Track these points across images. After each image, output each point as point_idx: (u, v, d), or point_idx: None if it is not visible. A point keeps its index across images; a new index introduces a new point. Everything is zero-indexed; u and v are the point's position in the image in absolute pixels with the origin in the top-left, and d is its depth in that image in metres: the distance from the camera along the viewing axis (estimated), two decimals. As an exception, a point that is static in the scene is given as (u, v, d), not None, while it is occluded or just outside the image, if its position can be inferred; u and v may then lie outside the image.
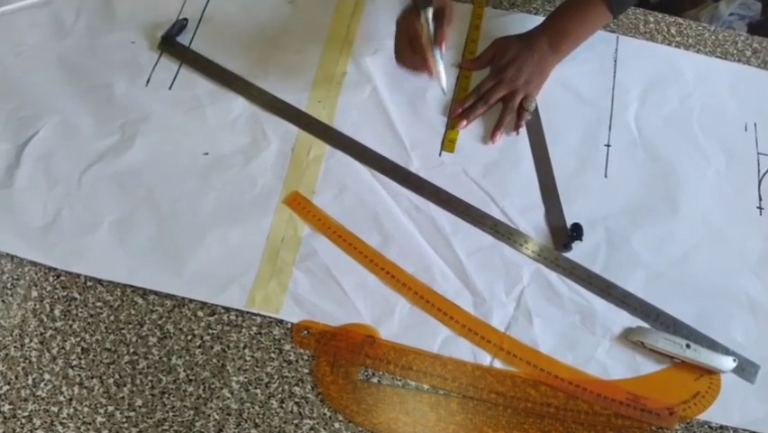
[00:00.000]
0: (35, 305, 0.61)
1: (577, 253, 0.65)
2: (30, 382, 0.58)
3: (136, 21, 0.78)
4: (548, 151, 0.71)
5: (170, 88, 0.73)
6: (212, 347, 0.60)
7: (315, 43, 0.77)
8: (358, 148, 0.70)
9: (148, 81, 0.74)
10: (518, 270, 0.65)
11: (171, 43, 0.76)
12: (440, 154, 0.71)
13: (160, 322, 0.61)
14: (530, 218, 0.67)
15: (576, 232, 0.65)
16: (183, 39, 0.77)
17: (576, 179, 0.70)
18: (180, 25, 0.77)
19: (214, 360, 0.60)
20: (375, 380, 0.59)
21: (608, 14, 0.70)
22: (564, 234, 0.66)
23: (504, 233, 0.66)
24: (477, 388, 0.59)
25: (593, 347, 0.61)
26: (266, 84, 0.74)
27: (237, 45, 0.77)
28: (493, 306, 0.63)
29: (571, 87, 0.75)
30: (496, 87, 0.72)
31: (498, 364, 0.60)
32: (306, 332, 0.61)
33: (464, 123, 0.71)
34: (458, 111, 0.72)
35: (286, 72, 0.75)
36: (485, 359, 0.60)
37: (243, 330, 0.61)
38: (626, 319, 0.63)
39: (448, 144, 0.71)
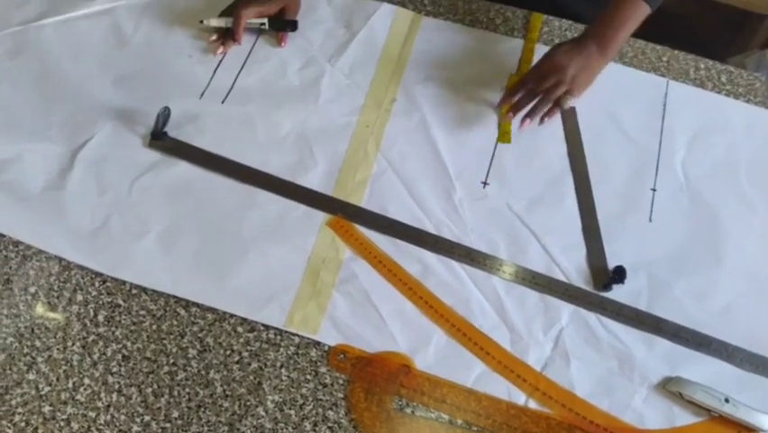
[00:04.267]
0: (80, 309, 0.62)
1: (618, 296, 0.65)
2: (70, 385, 0.59)
3: (193, 35, 0.79)
4: (592, 190, 0.71)
5: (223, 102, 0.75)
6: (249, 364, 0.61)
7: (366, 67, 0.78)
8: (385, 222, 0.68)
9: (202, 94, 0.75)
10: (557, 309, 0.64)
11: (226, 59, 0.77)
12: (486, 179, 0.71)
13: (200, 335, 0.62)
14: (572, 257, 0.67)
15: (618, 275, 0.65)
16: (238, 55, 0.78)
17: (620, 221, 0.69)
18: (236, 42, 0.78)
19: (251, 377, 0.60)
20: (409, 410, 0.59)
21: (646, 8, 0.71)
22: (605, 276, 0.66)
23: (544, 285, 0.65)
24: (511, 427, 0.59)
25: (630, 394, 0.61)
26: (315, 106, 0.75)
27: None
28: (530, 344, 0.63)
29: (620, 123, 0.75)
30: (545, 77, 0.72)
31: (532, 405, 0.60)
32: (342, 356, 0.61)
33: (512, 116, 0.73)
34: (507, 100, 0.74)
35: (336, 95, 0.76)
36: (520, 398, 0.60)
37: (281, 349, 0.61)
38: (664, 368, 0.62)
39: (503, 135, 0.73)
